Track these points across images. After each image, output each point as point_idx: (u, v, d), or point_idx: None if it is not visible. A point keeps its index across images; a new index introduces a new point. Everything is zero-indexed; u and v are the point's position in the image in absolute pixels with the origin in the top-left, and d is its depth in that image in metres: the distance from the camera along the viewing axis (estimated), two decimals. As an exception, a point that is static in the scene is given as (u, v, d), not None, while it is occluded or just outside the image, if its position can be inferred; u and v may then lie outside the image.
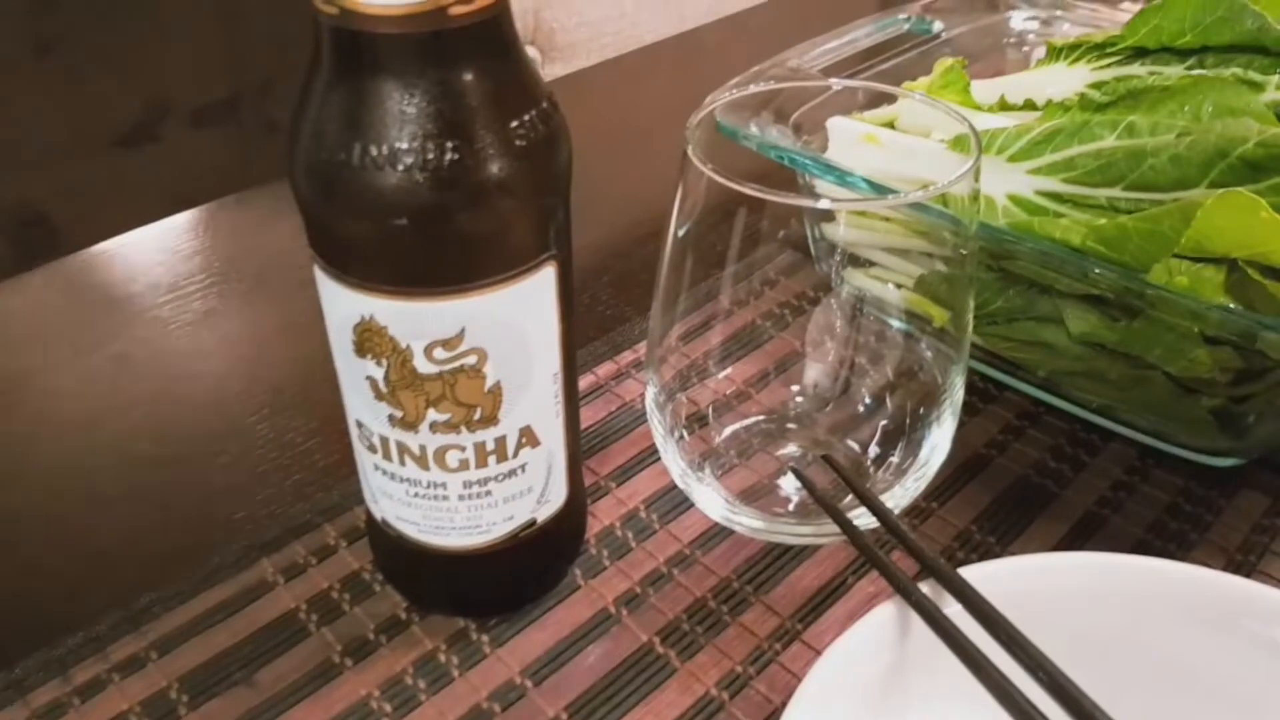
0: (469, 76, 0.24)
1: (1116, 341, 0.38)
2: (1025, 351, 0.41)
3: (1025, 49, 0.59)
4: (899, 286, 0.41)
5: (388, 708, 0.31)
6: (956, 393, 0.34)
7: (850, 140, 0.44)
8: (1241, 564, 0.35)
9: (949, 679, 0.25)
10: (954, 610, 0.27)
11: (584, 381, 0.44)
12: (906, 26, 0.58)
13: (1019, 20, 0.58)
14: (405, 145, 0.24)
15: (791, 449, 0.38)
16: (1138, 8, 0.72)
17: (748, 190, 0.29)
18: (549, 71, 0.87)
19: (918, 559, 0.28)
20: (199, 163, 1.73)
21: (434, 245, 0.25)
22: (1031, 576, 0.28)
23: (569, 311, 0.29)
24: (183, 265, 0.53)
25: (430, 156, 0.24)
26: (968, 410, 0.42)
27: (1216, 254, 0.33)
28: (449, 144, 0.24)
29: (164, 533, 0.37)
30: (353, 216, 0.25)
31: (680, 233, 0.32)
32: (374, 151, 0.24)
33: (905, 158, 0.43)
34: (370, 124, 0.24)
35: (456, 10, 0.23)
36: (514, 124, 0.25)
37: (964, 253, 0.33)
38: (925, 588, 0.27)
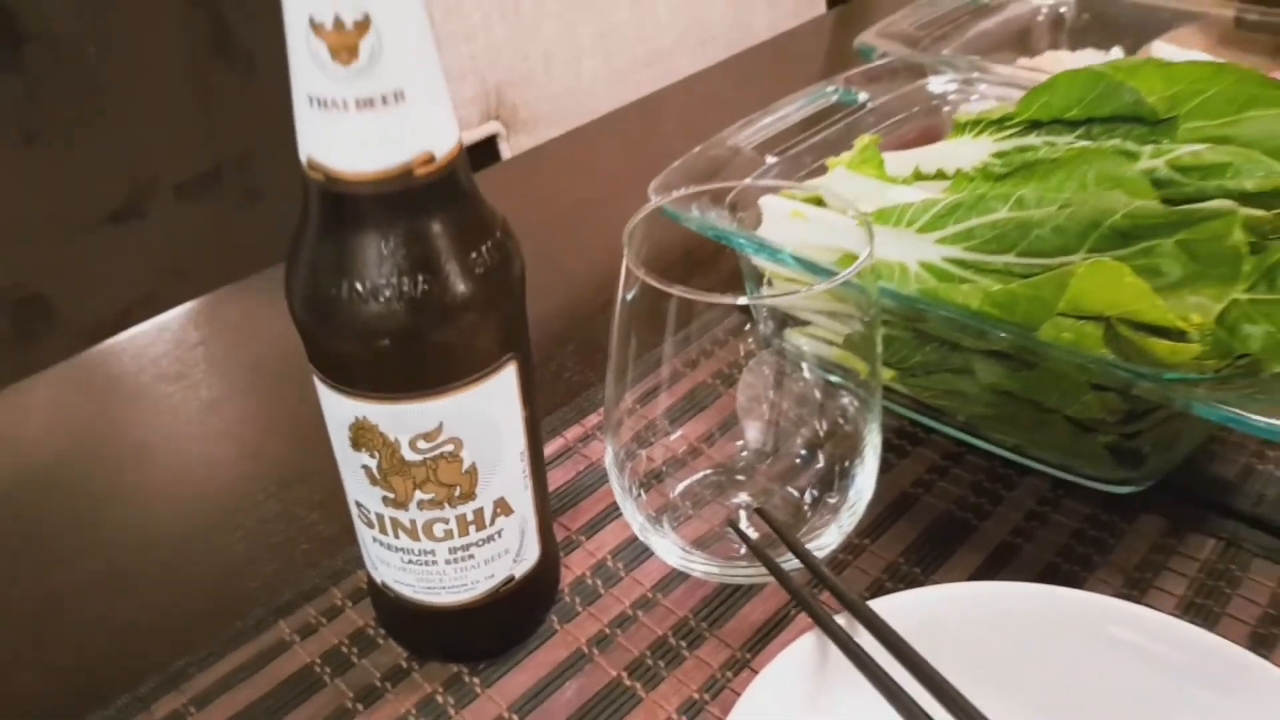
0: (434, 220, 0.29)
1: (1019, 389, 0.43)
2: (945, 399, 0.47)
3: (946, 109, 0.64)
4: (830, 344, 0.46)
5: (394, 747, 0.36)
6: (875, 438, 0.40)
7: (781, 217, 0.50)
8: (1139, 581, 0.40)
9: (869, 695, 0.30)
10: (867, 639, 0.32)
11: (554, 445, 0.49)
12: (835, 98, 0.64)
13: (938, 85, 0.64)
14: (384, 281, 0.29)
15: (739, 498, 0.43)
16: (1046, 60, 0.78)
17: (675, 292, 0.34)
18: (515, 144, 0.93)
19: (836, 596, 0.33)
20: (185, 234, 1.79)
21: (412, 359, 0.30)
22: (936, 606, 0.34)
23: (531, 398, 0.34)
24: (187, 355, 0.58)
25: (405, 289, 0.29)
26: (898, 453, 0.47)
27: (1092, 314, 0.38)
28: (420, 277, 0.29)
29: (192, 603, 0.42)
30: (344, 340, 0.30)
31: (626, 307, 0.37)
32: (359, 287, 0.29)
33: (829, 232, 0.48)
34: (354, 264, 0.29)
35: (420, 171, 0.28)
36: (473, 255, 0.30)
37: (869, 317, 0.39)
38: (842, 620, 0.32)
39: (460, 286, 0.30)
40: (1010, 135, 0.49)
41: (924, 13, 0.82)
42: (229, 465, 0.50)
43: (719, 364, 0.50)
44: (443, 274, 0.29)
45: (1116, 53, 0.78)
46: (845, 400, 0.43)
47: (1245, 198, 0.40)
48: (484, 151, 0.92)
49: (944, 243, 0.45)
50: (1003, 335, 0.40)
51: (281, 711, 0.37)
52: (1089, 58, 0.79)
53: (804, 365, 0.44)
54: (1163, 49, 0.78)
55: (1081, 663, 0.33)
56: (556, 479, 0.47)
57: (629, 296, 0.37)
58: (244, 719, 0.37)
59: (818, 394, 0.43)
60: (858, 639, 0.32)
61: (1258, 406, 0.35)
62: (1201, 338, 0.36)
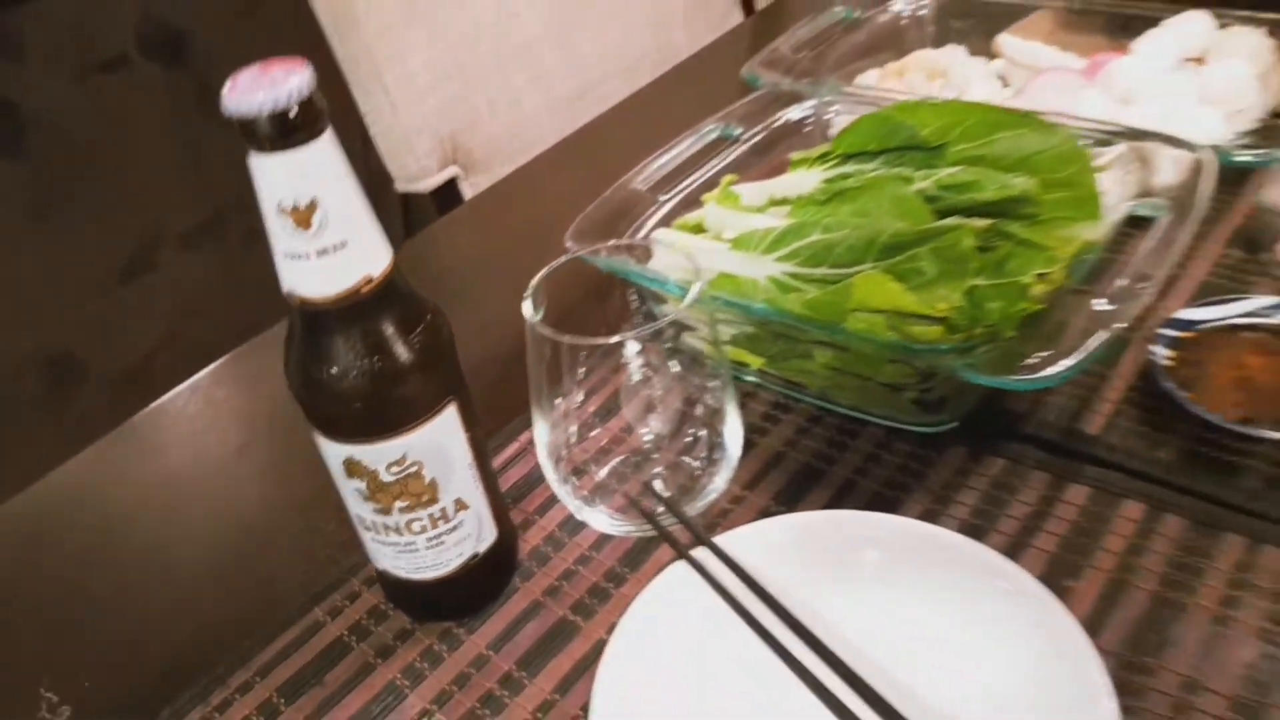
0: (380, 317, 0.43)
1: (844, 365, 0.57)
2: (800, 376, 0.61)
3: (807, 129, 0.77)
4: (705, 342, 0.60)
5: (407, 683, 0.50)
6: (734, 409, 0.53)
7: (669, 249, 0.63)
8: (943, 498, 0.54)
9: (719, 607, 0.44)
10: (719, 568, 0.46)
11: (513, 446, 0.63)
12: (716, 134, 0.77)
13: (798, 112, 0.77)
14: (351, 364, 0.43)
15: (650, 473, 0.57)
16: (913, 60, 0.91)
17: (565, 340, 0.48)
18: (475, 183, 1.06)
19: (691, 531, 0.47)
20: (195, 278, 1.94)
21: (377, 413, 0.44)
22: (767, 533, 0.48)
23: (473, 422, 0.48)
24: (216, 411, 0.72)
25: (366, 368, 0.43)
26: (772, 421, 0.61)
27: (875, 309, 0.52)
28: (375, 358, 0.43)
29: (250, 600, 0.57)
30: (329, 407, 0.44)
31: (539, 332, 0.51)
32: (334, 370, 0.43)
33: (707, 256, 0.62)
34: (330, 355, 0.43)
35: (365, 289, 0.42)
36: (411, 335, 0.44)
37: (713, 324, 0.52)
38: (699, 553, 0.46)
39: (403, 361, 0.44)
40: (832, 166, 0.63)
41: (804, 32, 0.94)
42: (262, 496, 0.65)
43: (623, 375, 0.63)
44: (390, 354, 0.43)
45: (960, 52, 0.91)
46: (712, 384, 0.56)
47: (989, 205, 0.54)
48: (447, 194, 1.06)
49: (781, 260, 0.58)
50: (818, 331, 0.54)
51: (324, 670, 0.52)
52: (949, 54, 0.92)
53: (673, 365, 0.58)
54: (1008, 41, 0.90)
55: (863, 562, 0.47)
56: (516, 474, 0.61)
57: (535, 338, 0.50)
58: (297, 680, 0.51)
59: (690, 385, 0.57)
60: (710, 567, 0.46)
61: (989, 364, 0.49)
62: (953, 318, 0.50)
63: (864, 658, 0.43)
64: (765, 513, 0.55)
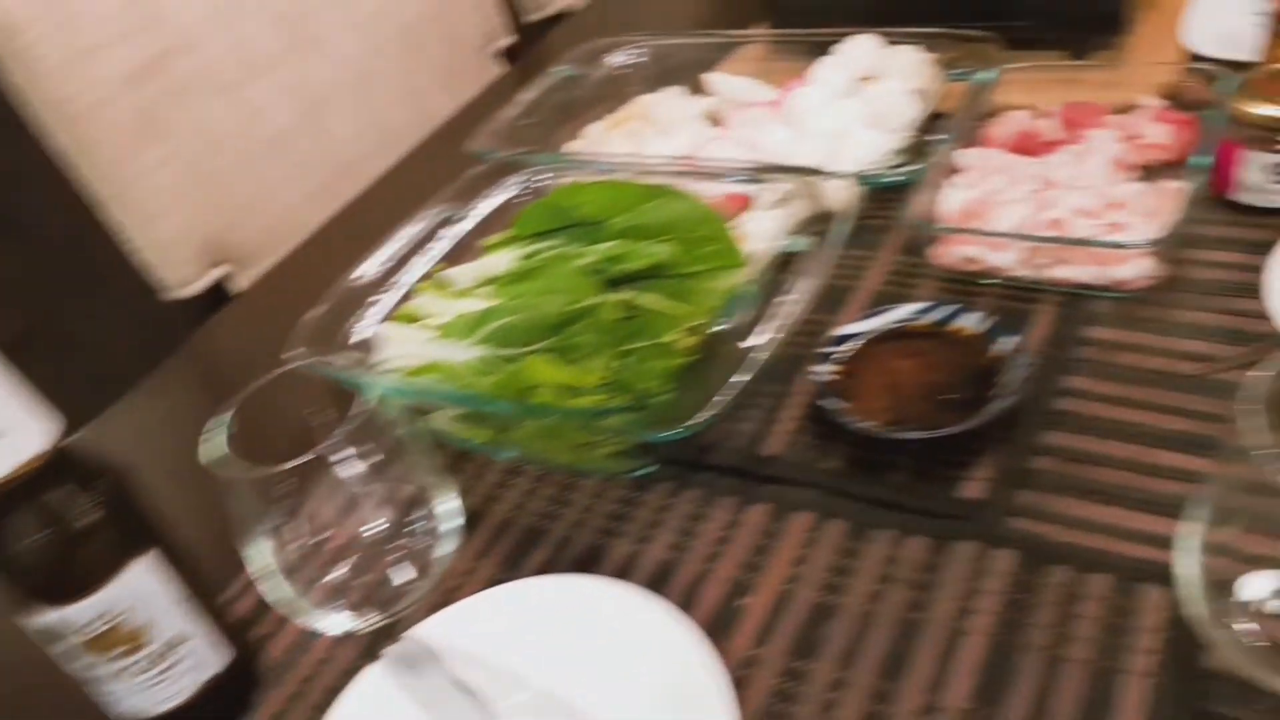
0: (50, 492, 0.46)
1: (545, 432, 0.62)
2: (517, 445, 0.66)
3: (518, 202, 0.82)
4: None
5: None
6: (444, 484, 0.57)
7: (388, 339, 0.68)
8: (648, 536, 0.59)
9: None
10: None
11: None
12: (442, 217, 0.81)
13: (514, 187, 0.82)
14: (25, 539, 0.46)
15: (376, 567, 0.61)
16: (636, 106, 0.96)
17: (276, 470, 0.51)
18: (247, 277, 1.08)
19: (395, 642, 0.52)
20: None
21: (63, 580, 0.47)
22: (473, 615, 0.52)
23: (179, 564, 0.52)
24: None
25: (40, 541, 0.46)
26: (503, 488, 0.66)
27: (544, 384, 0.57)
28: (48, 531, 0.46)
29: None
30: (16, 581, 0.47)
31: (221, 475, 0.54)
32: (11, 548, 0.46)
33: (415, 347, 0.66)
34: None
35: (29, 469, 0.45)
36: (83, 503, 0.47)
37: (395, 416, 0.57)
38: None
39: (78, 528, 0.47)
40: (520, 246, 0.68)
41: (530, 95, 0.99)
42: None
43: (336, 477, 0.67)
44: (64, 524, 0.47)
45: (676, 93, 0.97)
46: (424, 466, 0.60)
47: (641, 272, 0.60)
48: (218, 294, 1.08)
49: (480, 344, 0.63)
50: (503, 406, 0.59)
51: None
52: (664, 97, 0.98)
53: (380, 455, 0.62)
54: (714, 78, 0.97)
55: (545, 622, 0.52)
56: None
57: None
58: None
59: (403, 471, 0.61)
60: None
61: (650, 420, 0.54)
62: (603, 385, 0.55)
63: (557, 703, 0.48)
64: (491, 582, 0.60)
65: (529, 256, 0.66)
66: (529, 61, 1.45)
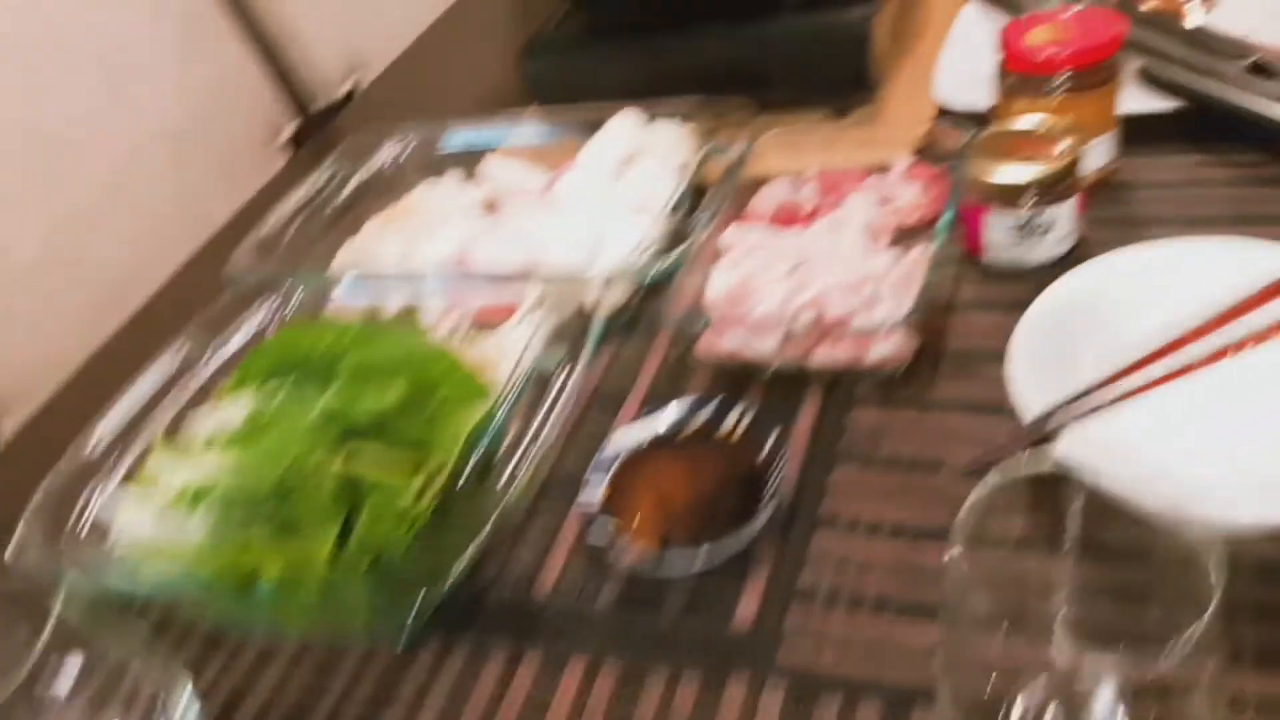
0: None
1: (291, 609, 0.56)
2: (272, 622, 0.60)
3: (271, 327, 0.76)
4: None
5: None
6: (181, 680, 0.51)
7: (120, 514, 0.61)
8: (415, 705, 0.55)
9: None
10: None
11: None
12: (191, 353, 0.74)
13: (266, 312, 0.76)
14: None
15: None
16: (414, 197, 0.91)
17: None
18: (17, 418, 0.99)
19: None
20: None
21: None
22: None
23: None
24: None
25: None
26: (253, 669, 0.60)
27: (270, 564, 0.52)
28: None
29: None
30: None
31: None
32: None
33: (146, 523, 0.60)
34: None
35: None
36: None
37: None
38: None
39: None
40: (255, 389, 0.62)
41: (295, 201, 0.93)
42: None
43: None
44: None
45: (454, 180, 0.93)
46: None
47: (373, 419, 0.55)
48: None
49: (204, 518, 0.57)
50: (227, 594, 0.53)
51: None
52: (444, 185, 0.94)
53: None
54: (489, 163, 0.93)
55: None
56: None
57: None
58: None
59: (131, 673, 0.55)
60: None
61: (393, 585, 0.50)
62: (334, 558, 0.50)
63: None
64: (249, 784, 0.54)
65: (261, 405, 0.60)
66: (314, 150, 1.38)
